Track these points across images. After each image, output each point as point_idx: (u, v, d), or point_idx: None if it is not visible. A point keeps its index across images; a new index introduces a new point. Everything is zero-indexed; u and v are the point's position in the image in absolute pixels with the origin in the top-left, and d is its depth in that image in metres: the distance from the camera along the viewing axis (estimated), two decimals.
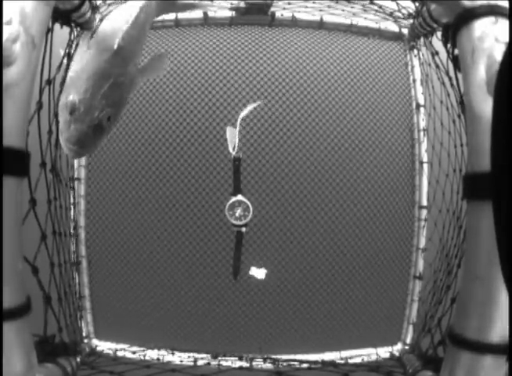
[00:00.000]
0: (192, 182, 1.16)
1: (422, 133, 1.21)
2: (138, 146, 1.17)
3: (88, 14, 0.88)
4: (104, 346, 1.13)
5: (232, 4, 1.17)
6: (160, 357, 1.09)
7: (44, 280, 0.75)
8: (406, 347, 1.14)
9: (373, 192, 1.18)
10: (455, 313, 0.68)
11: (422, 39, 1.11)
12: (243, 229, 1.04)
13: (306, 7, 1.18)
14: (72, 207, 1.14)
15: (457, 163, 0.96)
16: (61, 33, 0.82)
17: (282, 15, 1.20)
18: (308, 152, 1.17)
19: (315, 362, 1.09)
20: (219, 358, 1.07)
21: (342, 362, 1.09)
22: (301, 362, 1.07)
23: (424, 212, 1.19)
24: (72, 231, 1.11)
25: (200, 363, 1.06)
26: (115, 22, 0.64)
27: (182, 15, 1.19)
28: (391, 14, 1.13)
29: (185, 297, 1.16)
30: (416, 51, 1.22)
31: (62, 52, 0.85)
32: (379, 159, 1.19)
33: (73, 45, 0.90)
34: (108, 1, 0.98)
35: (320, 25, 1.22)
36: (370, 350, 1.15)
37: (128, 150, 1.17)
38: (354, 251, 1.17)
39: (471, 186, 0.65)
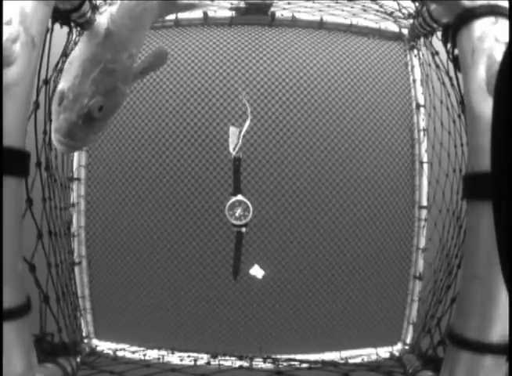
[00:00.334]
0: (193, 182, 1.16)
1: (422, 133, 1.21)
2: (138, 146, 1.17)
3: (88, 14, 0.88)
4: (104, 346, 1.13)
5: (232, 4, 1.17)
6: (160, 357, 1.09)
7: (41, 280, 0.74)
8: (406, 347, 1.14)
9: (372, 192, 1.18)
10: (455, 313, 0.68)
11: (422, 39, 1.11)
12: (243, 229, 1.04)
13: (306, 7, 1.18)
14: (71, 207, 1.14)
15: (457, 163, 0.96)
16: (61, 33, 0.82)
17: (282, 15, 1.20)
18: (308, 152, 1.17)
19: (315, 362, 1.09)
20: (219, 358, 1.07)
21: (342, 362, 1.09)
22: (301, 362, 1.07)
23: (424, 212, 1.19)
24: (67, 231, 1.11)
25: (199, 362, 1.06)
26: (111, 13, 0.63)
27: (182, 15, 1.19)
28: (391, 14, 1.13)
29: (185, 297, 1.16)
30: (416, 51, 1.22)
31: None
32: (379, 159, 1.19)
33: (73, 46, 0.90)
34: (108, 1, 0.98)
35: (320, 25, 1.22)
36: (370, 350, 1.15)
37: (128, 150, 1.17)
38: (354, 251, 1.17)
39: (471, 186, 0.65)
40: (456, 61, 0.69)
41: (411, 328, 1.16)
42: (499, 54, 0.59)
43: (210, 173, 1.15)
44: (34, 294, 0.63)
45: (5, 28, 0.54)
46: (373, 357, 1.13)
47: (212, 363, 1.06)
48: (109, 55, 0.56)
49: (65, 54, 0.88)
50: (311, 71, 1.19)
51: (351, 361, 1.11)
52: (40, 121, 0.79)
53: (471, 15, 0.62)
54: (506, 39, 0.59)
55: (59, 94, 0.51)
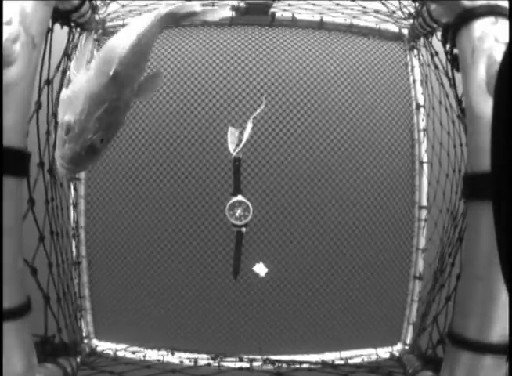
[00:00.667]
0: (193, 183, 1.16)
1: (422, 133, 1.21)
2: (139, 146, 1.17)
3: (88, 14, 0.89)
4: (104, 346, 1.13)
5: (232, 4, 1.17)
6: (160, 357, 1.09)
7: (42, 280, 0.74)
8: (406, 347, 1.14)
9: (372, 192, 1.18)
10: (455, 313, 0.68)
11: (422, 39, 1.11)
12: (243, 229, 1.04)
13: (306, 9, 1.18)
14: (72, 207, 1.14)
15: (457, 163, 0.96)
16: (61, 33, 0.82)
17: (282, 15, 1.20)
18: (308, 152, 1.17)
19: (315, 362, 1.09)
20: (219, 358, 1.07)
21: (342, 362, 1.09)
22: (301, 362, 1.07)
23: (424, 212, 1.19)
24: (70, 231, 1.11)
25: (200, 363, 1.06)
26: (117, 43, 0.63)
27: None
28: (391, 14, 1.13)
29: (185, 297, 1.16)
30: (416, 51, 1.22)
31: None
32: (379, 159, 1.19)
33: (74, 46, 0.90)
34: (108, 1, 0.98)
35: (320, 25, 1.22)
36: (370, 350, 1.15)
37: (128, 150, 1.17)
38: (354, 251, 1.17)
39: (471, 186, 0.65)
40: (454, 61, 0.69)
41: (411, 328, 1.16)
42: (499, 54, 0.59)
43: (210, 173, 1.15)
44: (34, 295, 0.64)
45: (5, 28, 0.54)
46: (373, 357, 1.13)
47: (212, 363, 1.06)
48: (114, 95, 0.59)
49: (66, 54, 0.88)
50: (311, 71, 1.19)
51: (351, 361, 1.10)
52: (42, 122, 0.79)
53: (471, 15, 0.62)
54: (506, 39, 0.59)
55: (66, 125, 0.56)
